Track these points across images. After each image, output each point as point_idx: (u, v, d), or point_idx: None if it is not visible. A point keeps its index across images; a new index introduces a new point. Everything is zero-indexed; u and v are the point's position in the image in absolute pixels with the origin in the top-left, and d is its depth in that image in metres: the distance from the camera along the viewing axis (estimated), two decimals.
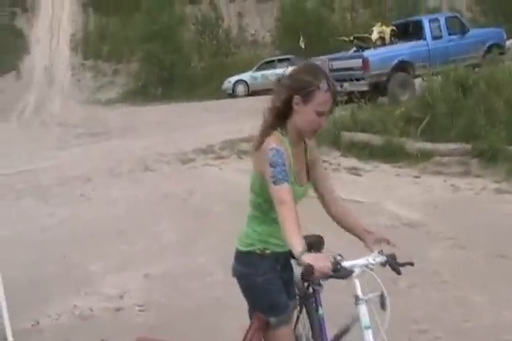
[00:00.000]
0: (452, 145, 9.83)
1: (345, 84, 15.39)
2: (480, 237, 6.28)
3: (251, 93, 26.49)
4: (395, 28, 17.08)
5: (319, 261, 2.40)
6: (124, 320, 5.09)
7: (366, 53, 15.70)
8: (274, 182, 2.60)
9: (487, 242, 6.10)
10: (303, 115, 2.70)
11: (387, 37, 16.69)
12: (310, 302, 3.17)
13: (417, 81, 14.76)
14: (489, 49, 16.75)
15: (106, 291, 5.75)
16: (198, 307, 5.16)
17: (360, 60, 15.47)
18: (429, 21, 16.81)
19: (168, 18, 30.38)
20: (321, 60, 18.66)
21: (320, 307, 3.10)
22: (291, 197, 2.60)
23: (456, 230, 6.54)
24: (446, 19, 17.28)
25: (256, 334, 2.82)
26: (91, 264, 6.47)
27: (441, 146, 9.94)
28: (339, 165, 10.28)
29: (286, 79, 2.76)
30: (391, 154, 10.27)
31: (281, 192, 2.59)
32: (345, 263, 2.53)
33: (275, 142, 2.70)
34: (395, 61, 15.40)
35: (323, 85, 2.65)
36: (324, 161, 10.58)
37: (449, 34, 16.69)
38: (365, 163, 10.22)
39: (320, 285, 2.98)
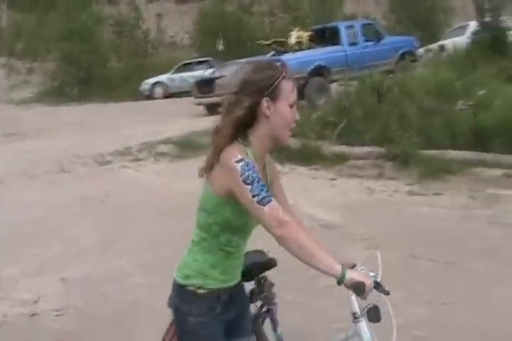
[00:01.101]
0: (367, 149, 10.09)
1: None
2: (394, 238, 6.47)
3: (169, 95, 26.34)
4: (312, 33, 17.37)
5: (365, 277, 2.26)
6: (40, 325, 4.98)
7: (284, 57, 15.82)
8: (260, 202, 2.19)
9: (401, 243, 6.29)
10: (277, 116, 2.37)
11: (305, 42, 16.94)
12: (259, 323, 3.01)
13: (334, 86, 15.03)
14: (402, 56, 17.30)
15: (20, 296, 5.60)
16: (116, 310, 5.11)
17: (279, 64, 15.61)
18: (346, 27, 17.20)
19: (86, 17, 29.80)
20: (239, 64, 18.80)
21: (278, 327, 2.99)
22: (287, 215, 2.22)
23: (371, 231, 6.71)
24: (362, 26, 17.73)
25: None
26: (4, 268, 6.28)
27: (357, 150, 10.19)
28: None
29: (243, 85, 2.40)
30: (308, 157, 10.44)
31: (275, 211, 2.20)
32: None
33: (239, 152, 2.29)
34: (312, 66, 15.64)
35: (284, 73, 2.41)
36: None
37: (365, 40, 17.15)
38: (282, 165, 10.29)
39: (274, 303, 2.85)
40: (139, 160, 12.00)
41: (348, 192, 8.70)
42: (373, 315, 2.37)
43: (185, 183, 9.75)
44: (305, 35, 17.16)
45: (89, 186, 10.06)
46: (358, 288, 2.19)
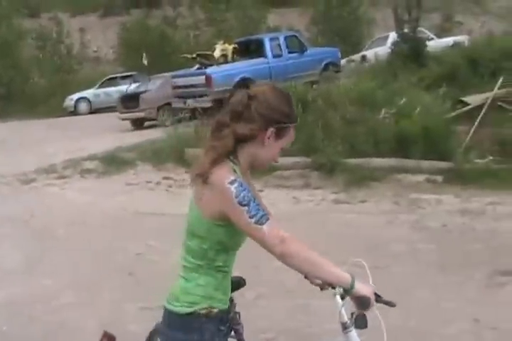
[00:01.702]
0: (293, 159, 10.16)
1: (189, 101, 15.56)
2: (321, 246, 6.46)
3: (94, 111, 26.00)
4: (237, 45, 17.44)
5: (369, 290, 2.19)
6: None
7: (209, 70, 15.92)
8: (258, 222, 2.10)
9: (328, 251, 6.28)
10: (269, 149, 2.29)
11: (230, 54, 17.00)
12: None
13: None
14: (326, 67, 17.57)
15: None
16: (43, 332, 4.95)
17: (203, 77, 15.67)
18: (270, 40, 17.36)
19: (6, 31, 29.09)
20: (164, 77, 18.75)
21: None
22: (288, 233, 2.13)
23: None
24: (286, 38, 17.94)
25: None
26: None
27: (283, 160, 10.18)
28: (183, 181, 10.28)
29: (260, 104, 2.23)
30: None
31: (275, 229, 2.11)
32: None
33: (230, 173, 2.18)
34: (238, 78, 15.71)
35: (296, 120, 2.31)
36: (169, 178, 10.66)
37: (289, 52, 17.33)
38: None
39: (239, 323, 2.68)
40: (64, 177, 11.74)
41: (275, 202, 8.70)
42: (361, 322, 2.30)
43: (112, 200, 9.67)
44: (230, 47, 17.21)
45: (12, 205, 9.76)
46: (364, 303, 2.16)
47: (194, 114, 14.42)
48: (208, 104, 15.15)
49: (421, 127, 9.95)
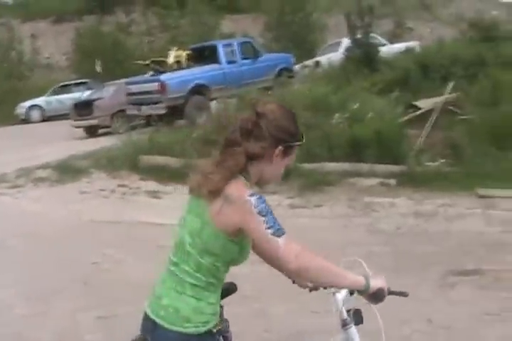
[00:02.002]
0: None
1: (143, 108, 15.49)
2: None
3: (46, 118, 25.65)
4: (191, 52, 17.43)
5: (383, 283, 2.24)
6: None
7: (163, 77, 15.85)
8: (275, 234, 2.08)
9: None
10: (275, 168, 2.28)
11: (184, 61, 16.97)
12: None
13: (213, 104, 15.14)
14: (280, 73, 17.67)
15: None
16: None
17: (158, 84, 15.60)
18: (224, 46, 17.37)
19: None
20: (118, 84, 18.61)
21: None
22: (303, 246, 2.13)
23: None
24: (240, 44, 17.97)
25: None
26: None
27: None
28: (139, 188, 10.25)
29: (269, 123, 2.21)
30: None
31: (290, 244, 2.09)
32: None
33: (247, 187, 2.18)
34: (192, 84, 15.71)
35: (302, 138, 2.32)
36: (123, 186, 10.58)
37: (243, 58, 17.37)
38: (164, 185, 10.26)
39: (228, 331, 2.54)
40: (16, 186, 11.53)
41: None
42: (357, 317, 2.40)
43: (66, 209, 9.54)
44: (183, 54, 17.18)
45: None
46: (378, 296, 2.21)
47: (149, 120, 14.35)
48: (163, 111, 15.10)
49: (374, 131, 10.06)
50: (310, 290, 2.68)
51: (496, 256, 6.12)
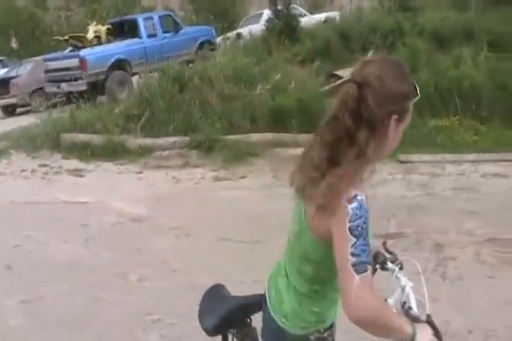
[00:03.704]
0: (171, 139, 10.12)
1: (63, 85, 15.12)
2: (203, 224, 6.57)
3: None
4: (110, 26, 17.08)
5: (428, 338, 1.87)
6: None
7: (83, 52, 15.45)
8: (355, 267, 1.70)
9: (210, 228, 6.40)
10: (394, 139, 1.85)
11: (104, 36, 16.61)
12: None
13: (135, 78, 14.91)
14: (201, 45, 17.64)
15: None
16: None
17: (77, 60, 15.22)
18: (144, 20, 17.06)
19: None
20: (35, 61, 18.08)
21: None
22: (375, 293, 1.72)
23: (180, 220, 6.76)
24: (160, 18, 17.68)
25: None
26: None
27: (161, 141, 10.18)
28: (61, 167, 10.00)
29: (376, 94, 1.77)
30: (113, 152, 10.27)
31: (366, 289, 1.70)
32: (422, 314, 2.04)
33: (356, 187, 1.76)
34: (112, 59, 15.42)
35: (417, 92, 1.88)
36: (45, 165, 10.30)
37: (164, 32, 17.14)
38: (87, 163, 10.06)
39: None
40: None
41: (155, 183, 8.67)
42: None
43: None
44: (103, 29, 16.84)
45: None
46: None
47: (69, 98, 13.99)
48: (83, 87, 14.77)
49: (296, 101, 10.13)
50: None
51: (416, 218, 6.30)
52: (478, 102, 9.90)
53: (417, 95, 1.85)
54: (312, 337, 2.02)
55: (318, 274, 1.95)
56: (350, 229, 1.70)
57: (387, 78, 1.78)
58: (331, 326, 2.09)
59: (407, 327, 1.83)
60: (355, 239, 1.70)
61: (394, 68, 1.82)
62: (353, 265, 1.69)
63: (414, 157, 8.31)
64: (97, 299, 4.83)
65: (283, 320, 2.03)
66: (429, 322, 1.98)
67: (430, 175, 8.05)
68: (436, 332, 1.93)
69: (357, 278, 1.69)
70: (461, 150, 8.85)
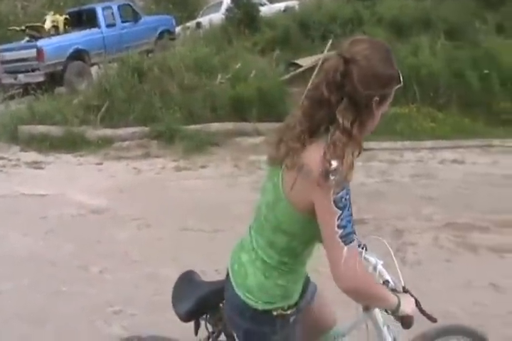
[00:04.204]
0: (131, 130, 10.08)
1: (20, 76, 14.83)
2: (164, 214, 6.57)
3: None
4: (68, 16, 16.81)
5: (412, 307, 2.03)
6: None
7: (40, 43, 15.16)
8: (343, 239, 1.76)
9: (171, 218, 6.41)
10: (374, 119, 1.89)
11: (61, 26, 16.36)
12: None
13: (94, 69, 14.75)
14: (161, 35, 17.50)
15: None
16: None
17: (34, 50, 14.92)
18: (103, 9, 16.82)
19: None
20: None
21: None
22: (362, 263, 1.89)
23: (141, 211, 6.75)
24: (119, 7, 17.45)
25: None
26: None
27: (121, 131, 10.13)
28: (19, 160, 9.85)
29: (362, 73, 1.79)
30: (72, 144, 10.16)
31: (354, 258, 1.79)
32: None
33: (337, 160, 1.76)
34: (71, 50, 15.14)
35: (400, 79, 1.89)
36: (3, 158, 10.15)
37: (123, 21, 16.94)
38: (46, 155, 9.94)
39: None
40: None
41: (115, 174, 8.62)
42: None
43: None
44: (61, 18, 16.52)
45: None
46: (408, 323, 2.04)
47: (27, 89, 13.77)
48: (41, 79, 14.49)
49: (256, 90, 10.17)
50: None
51: (375, 205, 6.38)
52: (435, 90, 10.06)
53: (400, 83, 1.87)
54: (275, 313, 2.04)
55: (290, 246, 1.97)
56: (334, 202, 1.74)
57: (374, 59, 1.80)
58: (296, 304, 2.10)
59: (392, 296, 1.97)
60: (340, 211, 1.74)
61: (382, 51, 1.84)
62: (341, 237, 1.75)
63: (374, 144, 8.39)
64: (57, 292, 4.80)
65: (247, 294, 2.05)
66: (407, 291, 2.14)
67: (389, 162, 8.17)
68: (416, 301, 2.10)
69: (345, 249, 1.76)
70: (419, 138, 8.99)
